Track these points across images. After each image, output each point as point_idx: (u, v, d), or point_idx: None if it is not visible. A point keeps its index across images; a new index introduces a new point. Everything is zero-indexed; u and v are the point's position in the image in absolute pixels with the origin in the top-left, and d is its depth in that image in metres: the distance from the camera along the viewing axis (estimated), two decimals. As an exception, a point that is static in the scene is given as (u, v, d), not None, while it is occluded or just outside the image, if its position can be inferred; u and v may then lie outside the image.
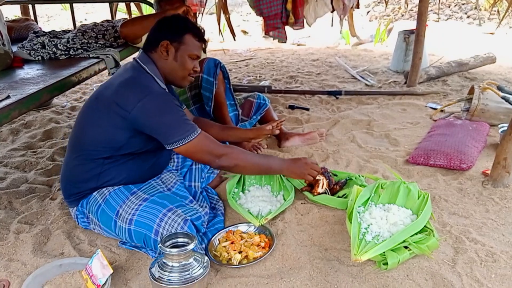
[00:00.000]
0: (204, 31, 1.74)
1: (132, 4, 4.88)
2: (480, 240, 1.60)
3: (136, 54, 1.71)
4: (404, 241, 1.51)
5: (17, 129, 3.03)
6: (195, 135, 1.56)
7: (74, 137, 1.69)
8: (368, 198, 1.74)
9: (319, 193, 1.86)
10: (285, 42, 3.81)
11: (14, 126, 3.07)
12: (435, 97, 3.47)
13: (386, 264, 1.45)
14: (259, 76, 4.44)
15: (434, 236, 1.55)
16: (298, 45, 6.34)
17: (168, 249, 1.34)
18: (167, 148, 1.57)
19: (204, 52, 3.41)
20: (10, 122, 3.10)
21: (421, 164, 2.23)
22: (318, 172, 1.82)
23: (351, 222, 1.58)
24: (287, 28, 3.73)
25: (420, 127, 2.81)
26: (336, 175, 2.04)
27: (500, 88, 2.87)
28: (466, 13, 7.58)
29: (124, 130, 1.57)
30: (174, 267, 1.35)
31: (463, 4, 7.83)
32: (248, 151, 1.81)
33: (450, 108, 3.07)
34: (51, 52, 2.40)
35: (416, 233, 1.55)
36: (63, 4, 8.31)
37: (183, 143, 1.54)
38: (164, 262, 1.37)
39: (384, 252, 1.46)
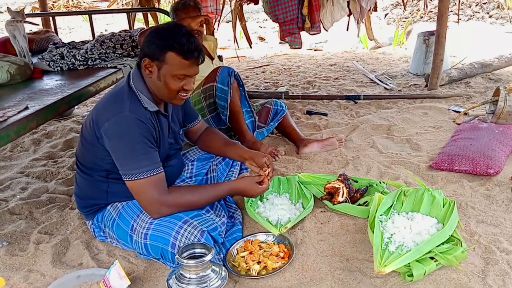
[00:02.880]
0: (195, 47, 1.47)
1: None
2: (512, 250, 1.52)
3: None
4: (430, 251, 1.44)
5: (39, 139, 3.08)
6: (142, 176, 1.44)
7: (77, 153, 1.69)
8: (391, 206, 1.67)
9: (339, 202, 1.81)
10: (300, 47, 3.78)
11: (36, 136, 3.12)
12: (458, 100, 3.37)
13: (411, 275, 1.39)
14: (276, 82, 4.41)
15: (461, 246, 1.48)
16: (315, 50, 6.29)
17: (185, 261, 1.31)
18: (123, 178, 1.49)
19: (221, 60, 3.41)
20: (31, 132, 3.16)
21: (445, 170, 2.15)
22: (269, 167, 1.71)
23: (373, 232, 1.52)
24: (304, 33, 3.70)
25: (443, 131, 2.72)
26: (356, 182, 1.99)
27: (527, 89, 2.75)
28: (488, 13, 7.39)
29: (102, 151, 1.51)
30: (191, 278, 1.33)
31: (484, 3, 7.63)
32: (192, 187, 1.71)
33: (474, 111, 2.97)
34: (69, 63, 2.43)
35: (442, 243, 1.48)
36: (83, 16, 8.51)
37: (129, 179, 1.45)
38: (181, 274, 1.34)
39: (409, 263, 1.40)
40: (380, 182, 1.96)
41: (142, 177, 1.45)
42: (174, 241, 1.49)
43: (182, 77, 1.51)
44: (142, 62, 1.51)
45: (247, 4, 4.14)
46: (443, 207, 1.65)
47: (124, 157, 1.46)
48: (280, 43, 6.76)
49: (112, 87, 1.62)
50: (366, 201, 1.85)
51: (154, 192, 1.47)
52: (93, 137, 1.52)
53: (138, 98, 1.52)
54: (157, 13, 4.54)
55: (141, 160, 1.46)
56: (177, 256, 1.33)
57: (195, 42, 1.49)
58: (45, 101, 1.72)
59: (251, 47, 4.46)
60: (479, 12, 7.54)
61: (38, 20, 4.09)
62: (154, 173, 1.48)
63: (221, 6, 4.10)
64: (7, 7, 2.43)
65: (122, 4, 8.17)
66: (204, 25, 2.31)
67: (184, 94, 1.56)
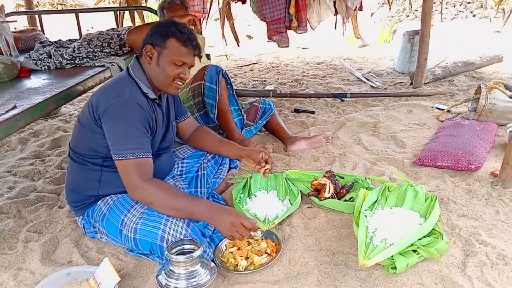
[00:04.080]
0: (194, 37, 1.62)
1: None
2: (490, 243, 1.58)
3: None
4: (412, 244, 1.49)
5: (26, 138, 3.06)
6: (130, 157, 1.49)
7: (71, 143, 1.72)
8: (375, 201, 1.72)
9: (325, 198, 1.85)
10: (287, 46, 3.83)
11: (23, 135, 3.10)
12: (441, 98, 3.45)
13: (394, 268, 1.44)
14: (264, 81, 4.44)
15: (443, 239, 1.53)
16: (303, 48, 6.34)
17: (174, 256, 1.34)
18: (112, 158, 1.53)
19: (209, 58, 3.42)
20: (18, 131, 3.14)
21: (428, 166, 2.21)
22: (245, 236, 1.49)
23: (358, 226, 1.56)
24: (291, 32, 3.75)
25: (427, 128, 2.79)
26: (342, 178, 2.03)
27: (507, 87, 2.84)
28: (472, 12, 7.53)
29: (101, 135, 1.56)
30: (181, 274, 1.35)
31: (468, 3, 7.78)
32: (176, 189, 1.61)
33: (457, 108, 3.04)
34: (57, 62, 2.42)
35: (424, 236, 1.53)
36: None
37: (117, 158, 1.51)
38: (170, 269, 1.37)
39: (392, 256, 1.45)
40: (365, 178, 2.00)
41: (130, 157, 1.50)
42: (163, 233, 1.51)
43: (180, 63, 1.60)
44: (143, 50, 1.61)
45: (235, 3, 4.16)
46: (426, 201, 1.70)
47: (117, 137, 1.52)
48: (268, 41, 6.79)
49: (110, 79, 1.71)
50: (352, 197, 1.90)
51: (135, 173, 1.51)
52: (91, 121, 1.57)
53: (138, 85, 1.61)
54: (144, 11, 4.53)
55: (132, 142, 1.51)
56: (166, 252, 1.36)
57: (193, 34, 1.64)
58: (33, 100, 1.72)
59: (238, 46, 4.49)
60: (463, 11, 7.68)
61: (24, 18, 4.04)
62: (141, 156, 1.52)
63: (208, 5, 4.12)
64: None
65: (109, 2, 8.11)
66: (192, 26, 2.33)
67: (180, 83, 1.65)
